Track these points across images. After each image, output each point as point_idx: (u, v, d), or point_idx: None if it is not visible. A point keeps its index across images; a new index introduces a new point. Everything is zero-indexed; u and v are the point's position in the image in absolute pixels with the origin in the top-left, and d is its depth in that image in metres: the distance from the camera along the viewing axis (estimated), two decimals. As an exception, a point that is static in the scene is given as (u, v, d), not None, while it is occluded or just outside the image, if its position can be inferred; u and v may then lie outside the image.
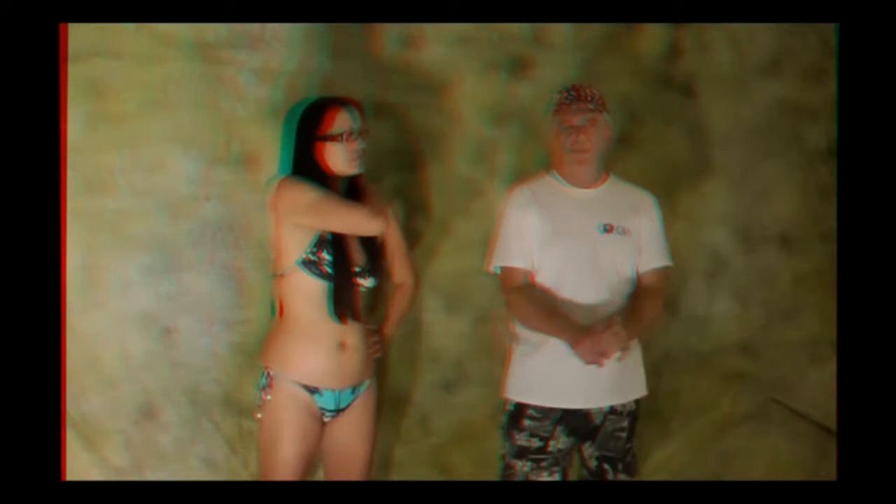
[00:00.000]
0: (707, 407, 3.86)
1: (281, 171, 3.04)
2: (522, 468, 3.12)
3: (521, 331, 3.17)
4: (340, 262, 3.00)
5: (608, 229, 3.13)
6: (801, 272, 3.91)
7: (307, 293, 3.00)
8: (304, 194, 2.96)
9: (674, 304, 3.70)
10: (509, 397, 3.17)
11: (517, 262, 3.13)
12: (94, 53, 3.20)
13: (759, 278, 3.88)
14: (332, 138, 2.99)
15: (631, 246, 3.16)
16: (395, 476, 3.56)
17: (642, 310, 3.13)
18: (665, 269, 3.24)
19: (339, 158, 3.00)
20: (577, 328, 3.01)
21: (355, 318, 3.03)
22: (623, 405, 3.16)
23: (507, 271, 3.15)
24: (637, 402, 3.21)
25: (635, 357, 3.19)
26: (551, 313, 3.07)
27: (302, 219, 2.97)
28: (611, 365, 3.05)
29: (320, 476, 3.24)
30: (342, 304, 3.00)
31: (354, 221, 2.98)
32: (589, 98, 3.12)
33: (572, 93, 3.13)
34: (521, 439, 3.12)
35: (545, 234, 3.11)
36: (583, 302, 3.09)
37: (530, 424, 3.11)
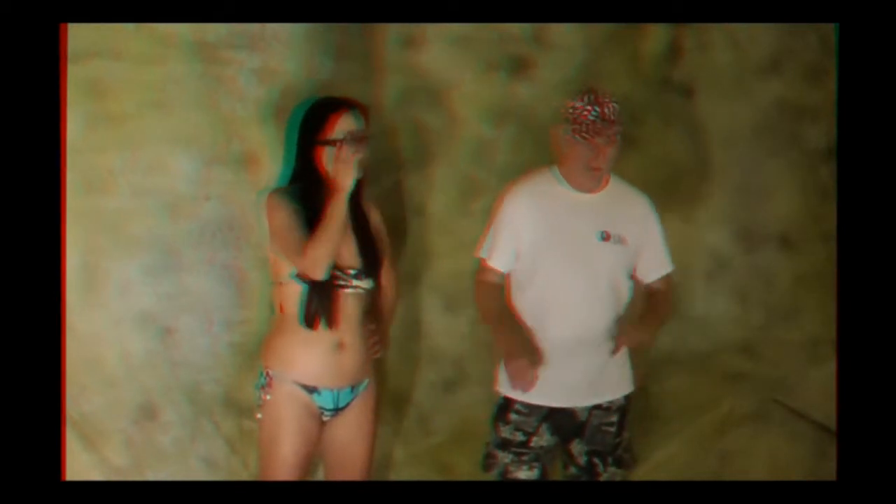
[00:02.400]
0: (707, 407, 3.86)
1: (281, 173, 3.06)
2: (503, 459, 3.17)
3: None
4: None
5: (605, 237, 3.12)
6: (801, 272, 3.91)
7: (304, 299, 3.01)
8: (275, 220, 2.97)
9: (674, 304, 3.69)
10: (499, 390, 3.19)
11: (497, 262, 3.15)
12: (94, 53, 3.21)
13: (759, 278, 3.88)
14: (333, 143, 2.98)
15: (627, 255, 3.16)
16: (395, 476, 3.56)
17: (657, 309, 3.21)
18: (669, 275, 3.27)
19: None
20: (517, 345, 3.03)
21: (330, 324, 3.02)
22: (610, 401, 3.18)
23: (484, 266, 3.18)
24: (626, 397, 3.22)
25: (621, 357, 3.19)
26: (504, 319, 3.12)
27: (271, 243, 3.01)
28: (597, 367, 3.12)
29: (320, 475, 3.24)
30: (312, 311, 2.99)
31: (300, 267, 2.95)
32: (614, 119, 3.02)
33: (596, 109, 3.01)
34: (506, 432, 3.17)
35: (541, 238, 3.10)
36: (575, 309, 3.10)
37: (516, 419, 3.15)
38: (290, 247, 2.96)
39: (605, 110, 3.02)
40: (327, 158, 2.99)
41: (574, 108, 3.04)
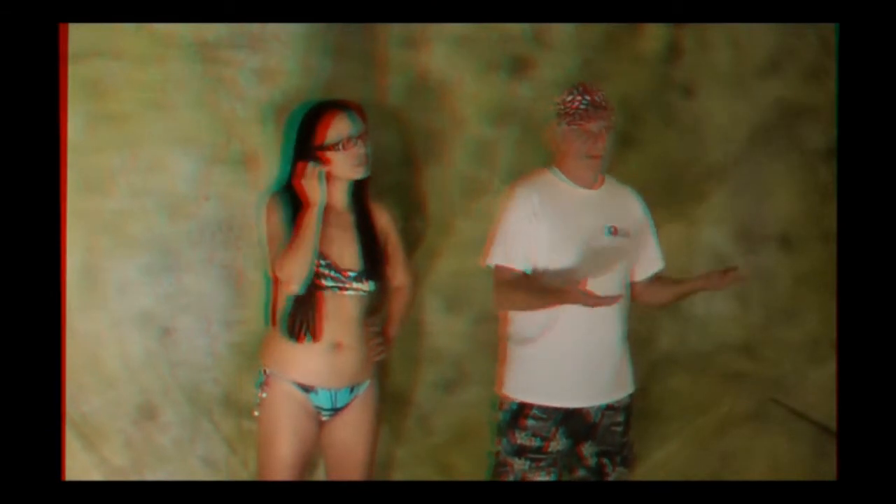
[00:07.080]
0: (707, 407, 3.87)
1: (278, 177, 3.08)
2: (520, 467, 3.12)
3: (517, 329, 3.16)
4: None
5: (613, 231, 3.13)
6: (801, 272, 3.91)
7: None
8: (267, 226, 3.04)
9: (674, 303, 3.69)
10: (512, 396, 3.15)
11: (516, 263, 3.10)
12: (94, 53, 3.20)
13: (759, 278, 3.88)
14: (329, 147, 2.99)
15: (632, 249, 3.17)
16: (396, 476, 3.56)
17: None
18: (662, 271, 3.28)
19: (339, 165, 3.01)
20: (560, 290, 2.92)
21: (314, 336, 3.01)
22: (618, 401, 3.17)
23: (501, 270, 3.12)
24: (630, 395, 3.22)
25: (627, 353, 3.19)
26: (535, 286, 3.06)
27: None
28: (610, 364, 3.11)
29: (321, 475, 3.24)
30: (296, 323, 3.00)
31: (280, 278, 3.02)
32: (605, 105, 3.09)
33: (587, 97, 3.07)
34: (522, 438, 3.11)
35: (554, 236, 3.08)
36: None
37: (533, 424, 3.11)
38: (274, 257, 3.01)
39: (595, 98, 3.09)
40: (330, 160, 3.01)
41: (564, 101, 3.11)
